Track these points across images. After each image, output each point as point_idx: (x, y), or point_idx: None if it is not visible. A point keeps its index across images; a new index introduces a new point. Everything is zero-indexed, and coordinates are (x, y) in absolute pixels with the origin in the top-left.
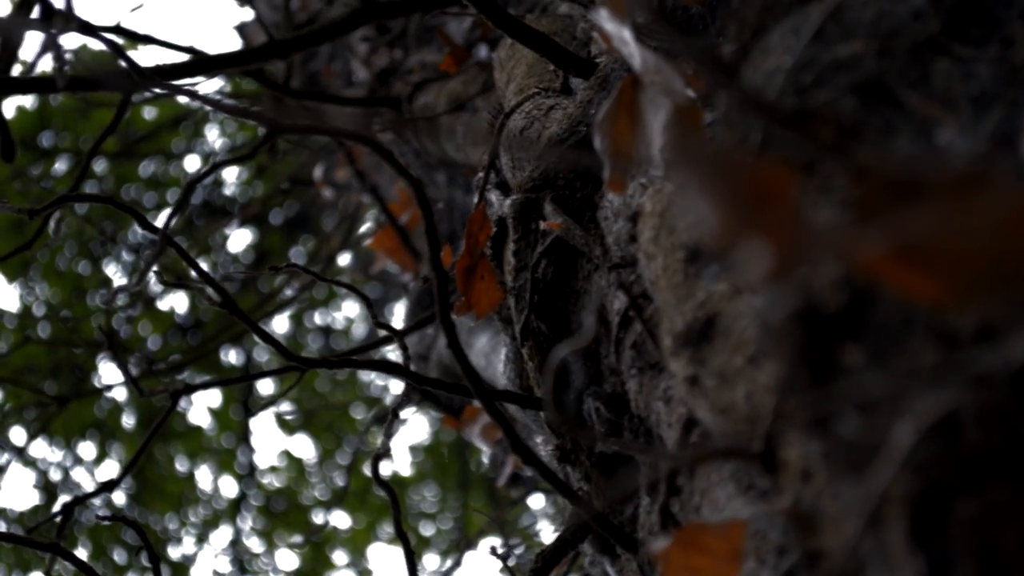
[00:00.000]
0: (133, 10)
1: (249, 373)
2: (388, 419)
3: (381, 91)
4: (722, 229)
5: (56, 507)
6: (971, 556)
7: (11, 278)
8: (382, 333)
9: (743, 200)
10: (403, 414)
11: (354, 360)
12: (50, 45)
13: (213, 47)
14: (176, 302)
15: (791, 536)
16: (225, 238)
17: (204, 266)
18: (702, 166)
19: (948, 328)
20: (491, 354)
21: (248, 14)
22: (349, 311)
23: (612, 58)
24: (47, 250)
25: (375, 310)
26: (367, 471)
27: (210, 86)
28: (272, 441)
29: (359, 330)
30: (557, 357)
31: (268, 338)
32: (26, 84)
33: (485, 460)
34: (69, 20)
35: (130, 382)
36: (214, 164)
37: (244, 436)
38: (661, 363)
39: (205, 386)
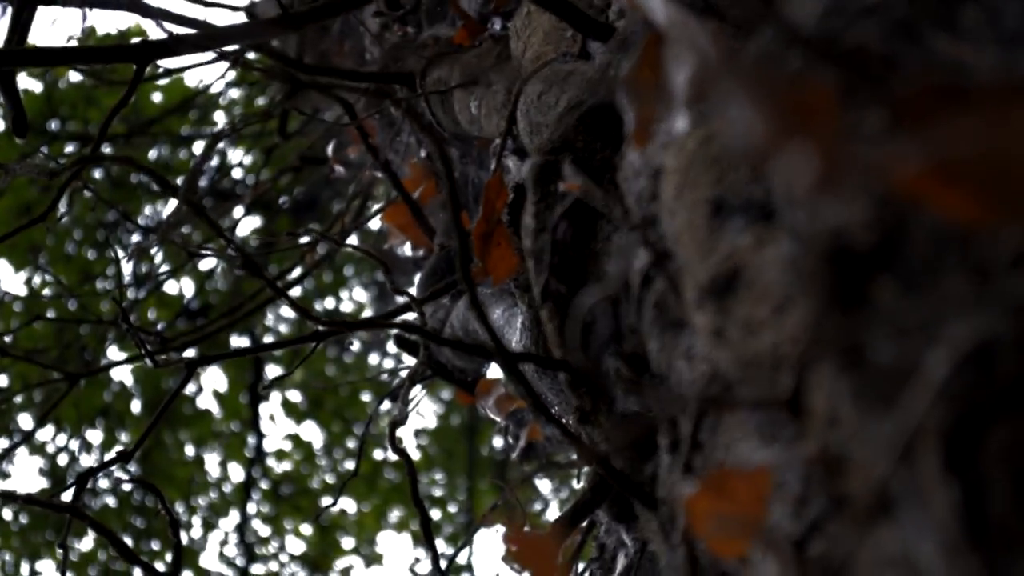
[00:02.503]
0: None
1: (262, 345)
2: (406, 385)
3: (394, 66)
4: (767, 135)
5: (65, 492)
6: (1007, 483)
7: (19, 265)
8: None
9: (786, 109)
10: (417, 386)
11: (373, 321)
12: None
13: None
14: (184, 286)
15: (814, 485)
16: (234, 222)
17: (211, 249)
18: (745, 77)
19: (982, 259)
20: (504, 327)
21: None
22: (358, 296)
23: (632, 21)
24: (54, 235)
25: (391, 275)
26: (375, 455)
27: (218, 69)
28: (280, 426)
29: (367, 315)
30: (585, 304)
31: (289, 300)
32: (42, 55)
33: (494, 444)
34: None
35: (146, 354)
36: (235, 126)
37: (252, 421)
38: (683, 321)
39: (221, 357)
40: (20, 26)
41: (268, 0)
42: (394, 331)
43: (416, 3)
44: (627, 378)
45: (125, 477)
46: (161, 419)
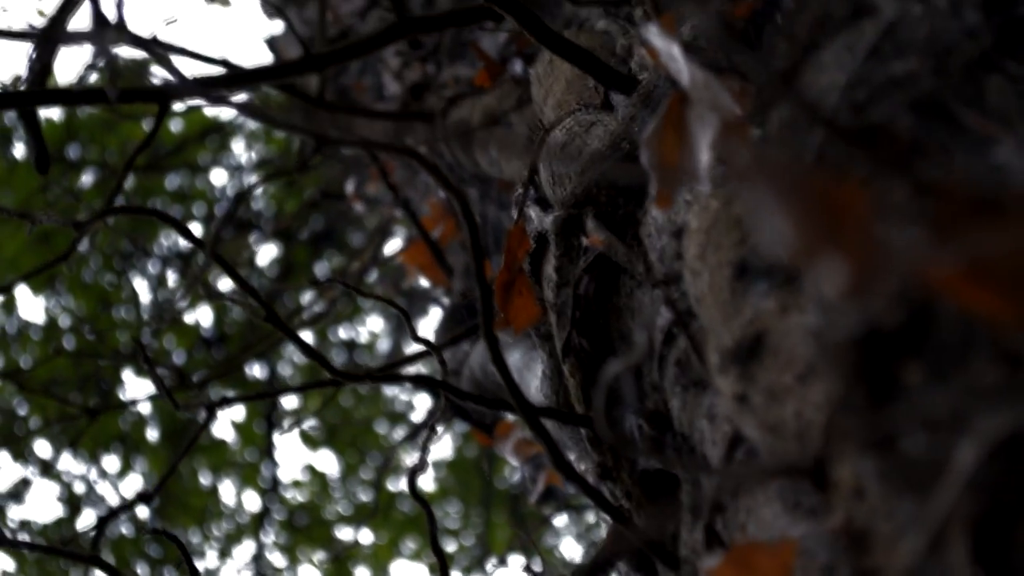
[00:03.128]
0: (168, 23)
1: (275, 387)
2: (426, 433)
3: (414, 105)
4: (799, 245)
5: (81, 520)
6: None
7: (36, 291)
8: (417, 347)
9: (818, 215)
10: (438, 429)
11: (395, 375)
12: (102, 55)
13: (244, 60)
14: (201, 315)
15: (839, 555)
16: (252, 253)
17: (230, 281)
18: (775, 180)
19: (1010, 347)
20: (523, 370)
21: (278, 27)
22: (373, 325)
23: (655, 75)
24: (73, 262)
25: (412, 324)
26: (392, 487)
27: (238, 99)
28: (295, 455)
29: (383, 345)
30: (610, 373)
31: (310, 351)
32: (65, 95)
33: (509, 477)
34: (121, 32)
35: (165, 395)
36: (264, 177)
37: (267, 450)
38: (705, 380)
39: (240, 400)
40: (41, 64)
41: (287, 32)
42: (412, 375)
43: (436, 43)
44: (649, 436)
45: (144, 518)
46: (180, 461)
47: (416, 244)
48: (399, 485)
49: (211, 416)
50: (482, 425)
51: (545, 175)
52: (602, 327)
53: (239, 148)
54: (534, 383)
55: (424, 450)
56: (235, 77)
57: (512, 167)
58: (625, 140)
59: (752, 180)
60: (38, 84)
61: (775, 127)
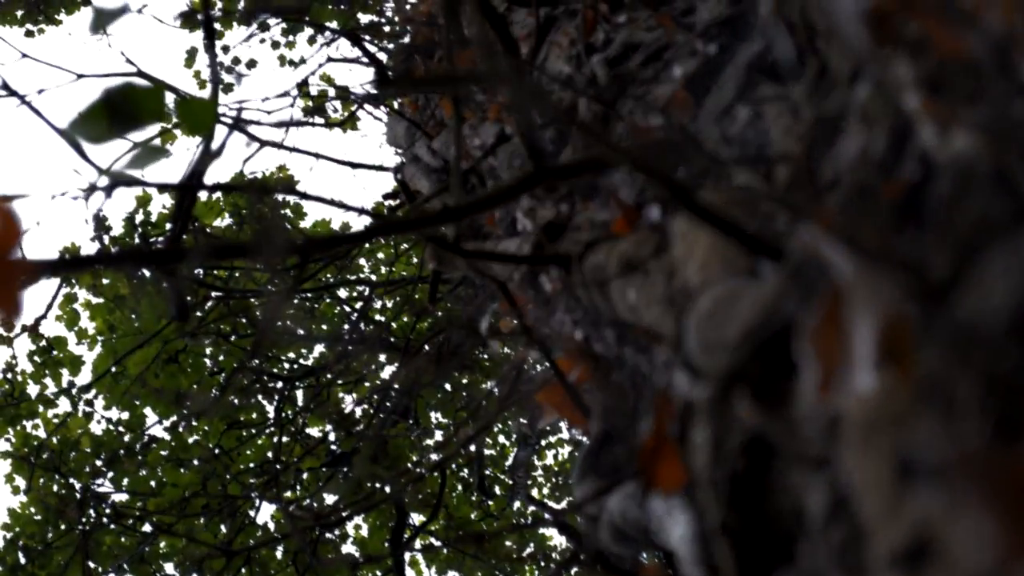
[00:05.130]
0: (311, 169)
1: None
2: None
3: (548, 247)
4: (1007, 553)
5: None
6: None
7: (164, 414)
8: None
9: (1013, 517)
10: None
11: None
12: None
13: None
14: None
15: None
16: (380, 368)
17: (353, 397)
18: (980, 479)
19: None
20: (664, 516)
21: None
22: (502, 437)
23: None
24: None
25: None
26: None
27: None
28: (421, 572)
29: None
30: None
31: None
32: (223, 251)
33: None
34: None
35: (310, 554)
36: (414, 384)
37: (395, 566)
38: (864, 568)
39: (381, 558)
40: (183, 214)
41: (412, 162)
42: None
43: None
44: None
45: None
46: None
47: (551, 385)
48: None
49: None
50: (622, 570)
51: (692, 342)
52: (755, 505)
53: (364, 267)
54: (676, 530)
55: None
56: (375, 230)
57: (651, 314)
58: (776, 315)
59: (957, 475)
60: (179, 230)
61: (935, 339)
